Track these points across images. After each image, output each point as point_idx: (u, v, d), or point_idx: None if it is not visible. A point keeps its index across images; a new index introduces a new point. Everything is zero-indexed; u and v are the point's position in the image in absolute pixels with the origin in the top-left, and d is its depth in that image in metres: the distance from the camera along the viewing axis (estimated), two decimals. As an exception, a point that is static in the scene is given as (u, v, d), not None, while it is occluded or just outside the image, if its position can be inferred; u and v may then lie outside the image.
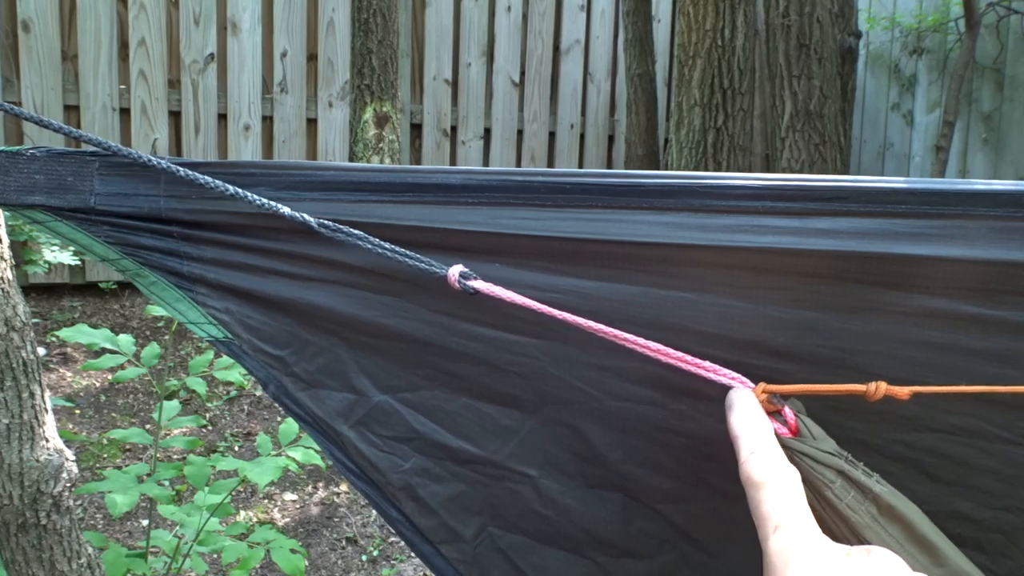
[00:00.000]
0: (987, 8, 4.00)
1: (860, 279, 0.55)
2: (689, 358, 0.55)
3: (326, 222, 0.59)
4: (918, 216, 0.54)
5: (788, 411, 0.54)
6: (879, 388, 0.53)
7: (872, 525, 0.50)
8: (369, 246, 0.58)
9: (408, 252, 0.58)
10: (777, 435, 0.53)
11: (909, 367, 0.57)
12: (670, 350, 0.55)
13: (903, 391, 0.53)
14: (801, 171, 3.35)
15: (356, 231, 0.59)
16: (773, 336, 0.57)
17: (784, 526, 0.46)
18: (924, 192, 0.54)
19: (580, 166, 4.79)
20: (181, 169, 0.59)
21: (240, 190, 0.59)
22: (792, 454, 0.52)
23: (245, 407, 3.14)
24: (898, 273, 0.55)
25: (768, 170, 4.38)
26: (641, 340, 0.55)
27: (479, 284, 0.57)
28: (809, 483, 0.51)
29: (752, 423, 0.52)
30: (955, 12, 4.18)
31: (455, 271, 0.58)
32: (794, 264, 0.56)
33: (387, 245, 0.58)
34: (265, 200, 0.59)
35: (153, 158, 0.60)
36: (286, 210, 0.59)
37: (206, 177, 0.59)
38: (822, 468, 0.51)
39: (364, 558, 2.42)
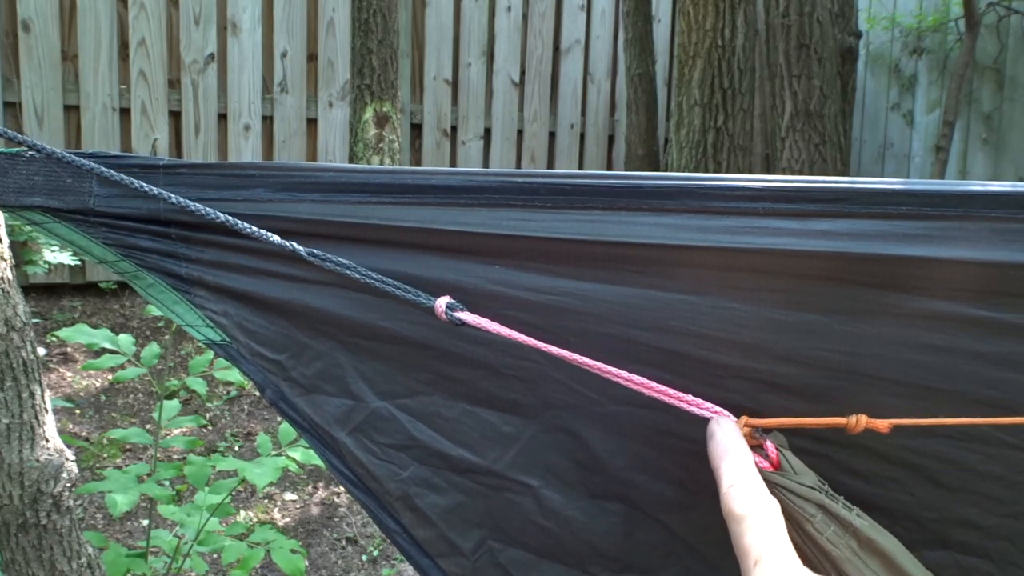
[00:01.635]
0: (987, 8, 3.99)
1: (861, 281, 0.55)
2: (672, 392, 0.55)
3: (315, 251, 0.58)
4: (918, 217, 0.54)
5: (770, 445, 0.54)
6: (859, 421, 0.53)
7: (852, 559, 0.51)
8: (357, 275, 0.58)
9: (396, 283, 0.58)
10: (758, 469, 0.53)
11: (912, 370, 0.56)
12: (652, 384, 0.55)
13: (883, 424, 0.53)
14: (801, 171, 3.35)
15: (346, 262, 0.58)
16: (774, 339, 0.57)
17: (765, 559, 0.46)
18: (924, 193, 0.54)
19: (580, 166, 4.78)
20: (173, 197, 0.59)
21: (230, 218, 0.59)
22: (773, 488, 0.52)
23: (245, 407, 3.14)
24: (899, 275, 0.55)
25: (768, 170, 4.38)
26: (625, 374, 0.55)
27: (466, 316, 0.57)
28: (790, 517, 0.51)
29: (732, 454, 0.52)
30: (955, 12, 4.18)
31: (442, 303, 0.57)
32: (795, 266, 0.56)
33: (375, 275, 0.58)
34: (254, 228, 0.59)
35: (147, 187, 0.59)
36: (275, 238, 0.58)
37: (196, 205, 0.59)
38: (802, 502, 0.52)
39: (364, 558, 2.42)
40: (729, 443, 0.53)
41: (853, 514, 0.52)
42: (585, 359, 0.55)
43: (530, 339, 0.56)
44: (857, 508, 0.52)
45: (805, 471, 0.53)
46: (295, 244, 0.58)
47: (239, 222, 0.58)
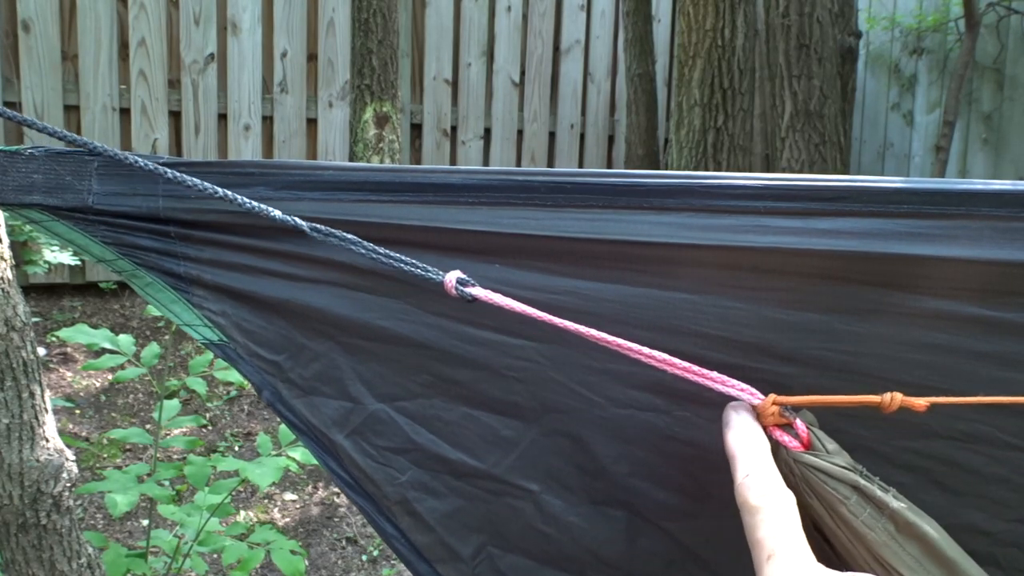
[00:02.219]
0: (987, 8, 3.99)
1: (863, 280, 0.55)
2: (696, 368, 0.53)
3: (318, 226, 0.57)
4: (920, 216, 0.54)
5: (800, 424, 0.52)
6: (894, 399, 0.51)
7: (889, 543, 0.49)
8: (363, 251, 0.56)
9: (404, 258, 0.57)
10: (789, 449, 0.51)
11: (914, 370, 0.56)
12: (677, 360, 0.53)
13: (920, 403, 0.50)
14: (801, 171, 3.35)
15: (350, 235, 0.57)
16: (776, 339, 0.56)
17: (778, 554, 0.45)
18: (926, 192, 0.54)
19: (580, 166, 4.78)
20: (168, 171, 0.58)
21: (229, 192, 0.57)
22: (805, 469, 0.50)
23: (245, 407, 3.14)
24: (901, 274, 0.54)
25: (768, 170, 4.38)
26: (647, 350, 0.53)
27: (477, 291, 0.55)
28: (823, 499, 0.50)
29: (748, 442, 0.50)
30: (955, 12, 4.18)
31: (452, 277, 0.56)
32: (796, 265, 0.55)
33: (381, 250, 0.57)
34: (255, 203, 0.57)
35: (139, 158, 0.58)
36: (277, 213, 0.57)
37: (194, 179, 0.57)
38: (836, 483, 0.50)
39: (364, 558, 2.42)
40: (745, 430, 0.51)
41: (890, 495, 0.50)
42: (603, 335, 0.54)
43: (544, 314, 0.54)
44: (894, 490, 0.50)
45: (839, 451, 0.51)
46: (296, 219, 0.57)
47: (237, 196, 0.57)
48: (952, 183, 0.54)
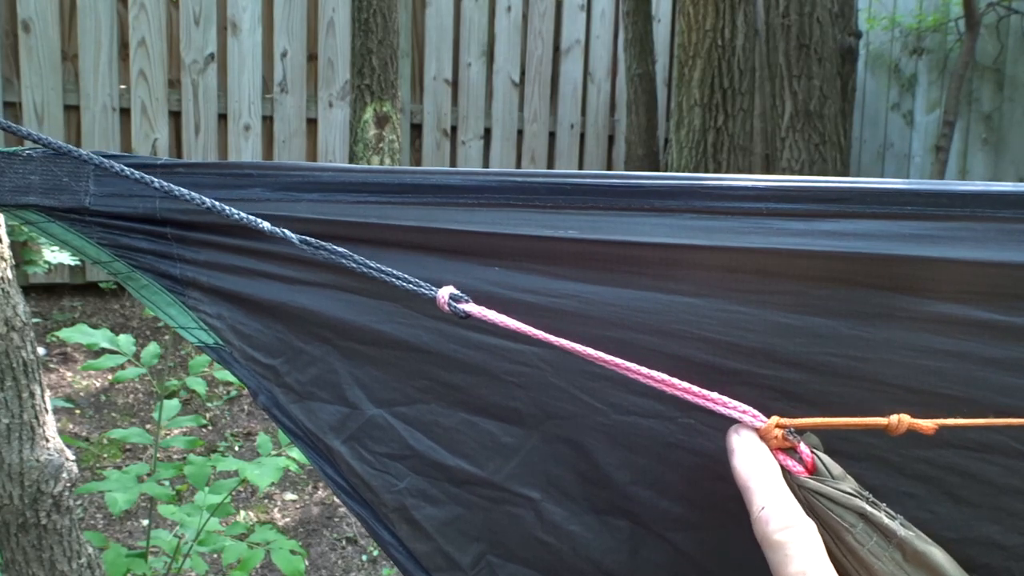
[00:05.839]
0: (987, 8, 3.99)
1: (869, 283, 0.54)
2: (696, 389, 0.52)
3: (308, 239, 0.56)
4: (924, 218, 0.53)
5: (804, 447, 0.50)
6: (901, 422, 0.49)
7: (897, 573, 0.47)
8: (354, 265, 0.56)
9: (396, 272, 0.56)
10: (792, 474, 0.49)
11: (923, 377, 0.55)
12: (676, 381, 0.52)
13: (928, 426, 0.49)
14: (801, 171, 3.35)
15: (341, 249, 0.56)
16: (781, 343, 0.56)
17: None
18: (929, 193, 0.54)
19: (580, 166, 4.78)
20: (156, 181, 0.57)
21: (218, 204, 0.56)
22: (809, 495, 0.49)
23: (245, 407, 3.13)
24: (907, 276, 0.54)
25: (768, 170, 4.38)
26: (645, 370, 0.52)
27: (470, 307, 0.54)
28: (828, 526, 0.48)
29: (759, 469, 0.48)
30: (955, 12, 4.18)
31: (445, 293, 0.55)
32: (800, 267, 0.55)
33: (373, 264, 0.56)
34: (245, 215, 0.56)
35: (132, 169, 0.58)
36: (265, 225, 0.56)
37: (181, 189, 0.57)
38: (842, 510, 0.48)
39: (364, 558, 2.42)
40: (754, 457, 0.49)
41: (897, 523, 0.48)
42: (600, 354, 0.53)
43: (540, 332, 0.53)
44: (901, 517, 0.49)
45: (844, 475, 0.50)
46: (286, 231, 0.56)
47: (226, 207, 0.56)
48: (955, 185, 0.54)
